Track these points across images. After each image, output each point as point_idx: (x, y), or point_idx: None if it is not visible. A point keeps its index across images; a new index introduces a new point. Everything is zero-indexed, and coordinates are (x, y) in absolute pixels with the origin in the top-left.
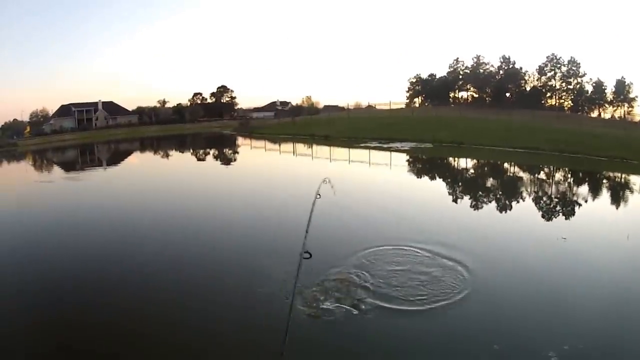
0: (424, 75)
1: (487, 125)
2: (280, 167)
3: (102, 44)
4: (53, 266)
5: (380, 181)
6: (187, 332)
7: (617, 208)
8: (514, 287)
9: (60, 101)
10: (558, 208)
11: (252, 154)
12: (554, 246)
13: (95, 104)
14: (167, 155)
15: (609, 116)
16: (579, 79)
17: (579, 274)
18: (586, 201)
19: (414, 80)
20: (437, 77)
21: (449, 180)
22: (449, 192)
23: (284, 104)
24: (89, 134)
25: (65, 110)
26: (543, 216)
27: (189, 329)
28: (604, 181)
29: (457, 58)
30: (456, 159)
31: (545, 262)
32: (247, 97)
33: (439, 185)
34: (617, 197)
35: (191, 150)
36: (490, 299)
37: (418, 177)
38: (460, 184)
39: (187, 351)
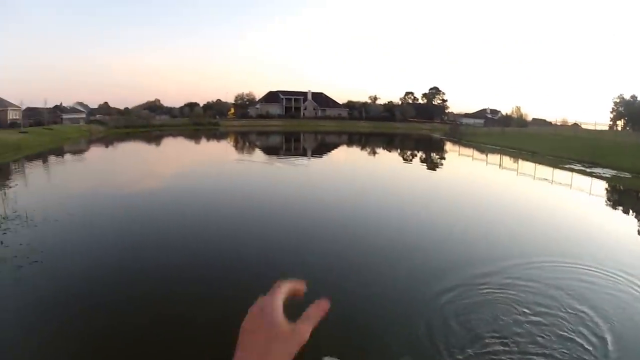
0: (627, 96)
1: None
2: (484, 178)
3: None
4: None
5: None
6: None
7: None
8: None
9: (266, 88)
10: None
11: (459, 162)
12: None
13: (304, 93)
14: (374, 153)
15: None
16: None
17: None
18: None
19: (617, 101)
20: (639, 99)
21: None
22: None
23: (494, 112)
24: (297, 122)
25: (272, 97)
26: None
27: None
28: None
29: None
30: None
31: None
32: (457, 102)
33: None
34: None
35: (399, 151)
36: None
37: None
38: None
39: None
